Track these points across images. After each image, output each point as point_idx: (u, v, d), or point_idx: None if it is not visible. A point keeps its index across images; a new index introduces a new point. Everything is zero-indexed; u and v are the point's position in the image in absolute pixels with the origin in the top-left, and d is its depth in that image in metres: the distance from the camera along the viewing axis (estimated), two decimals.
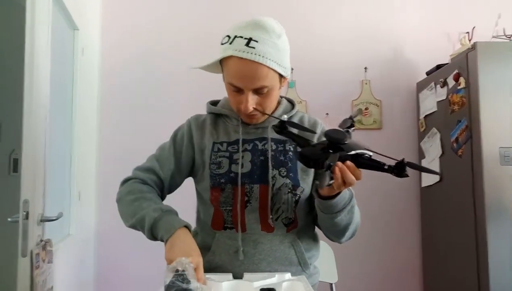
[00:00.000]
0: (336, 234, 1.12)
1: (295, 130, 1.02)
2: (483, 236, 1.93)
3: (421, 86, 2.59)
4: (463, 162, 2.10)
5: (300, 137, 0.97)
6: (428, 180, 2.46)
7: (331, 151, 0.86)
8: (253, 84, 1.04)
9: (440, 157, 2.33)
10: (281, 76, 1.09)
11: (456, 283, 2.17)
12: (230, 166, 1.13)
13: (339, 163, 0.86)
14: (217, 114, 1.23)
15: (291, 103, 1.25)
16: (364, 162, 0.87)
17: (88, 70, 2.34)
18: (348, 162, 0.87)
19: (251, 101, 1.06)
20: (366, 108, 2.68)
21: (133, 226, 1.07)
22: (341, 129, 0.92)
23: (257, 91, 1.05)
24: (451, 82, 2.23)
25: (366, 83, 2.71)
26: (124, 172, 2.63)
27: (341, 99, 2.68)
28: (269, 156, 1.13)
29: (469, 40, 2.54)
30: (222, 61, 1.09)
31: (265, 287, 0.92)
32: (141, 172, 1.17)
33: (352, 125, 0.96)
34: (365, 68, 2.72)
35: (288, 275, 1.04)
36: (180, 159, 1.19)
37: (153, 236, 1.03)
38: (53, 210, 1.59)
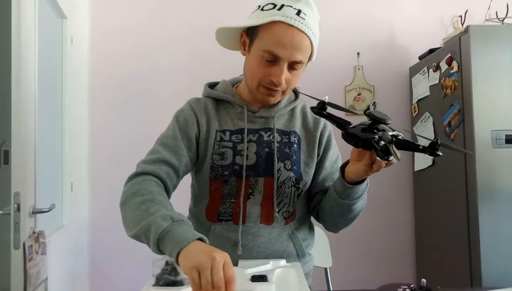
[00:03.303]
0: (347, 221, 1.11)
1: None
2: (475, 218, 1.95)
3: (413, 70, 2.59)
4: (455, 145, 2.10)
5: (340, 119, 0.95)
6: (421, 164, 2.47)
7: (375, 131, 0.87)
8: (294, 55, 1.00)
9: None
10: (309, 57, 1.07)
11: (448, 265, 2.20)
12: (234, 158, 1.09)
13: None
14: (217, 99, 1.16)
15: (295, 92, 1.22)
16: (400, 143, 0.88)
17: (78, 60, 2.30)
18: None
19: (285, 74, 1.03)
20: (359, 94, 2.67)
21: (136, 236, 0.90)
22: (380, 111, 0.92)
23: (291, 65, 1.02)
24: (443, 66, 2.22)
25: (359, 69, 2.70)
26: (116, 162, 2.61)
27: (334, 85, 2.66)
28: (275, 148, 1.10)
29: (462, 24, 2.53)
30: (260, 28, 1.02)
31: (257, 274, 0.92)
32: (150, 165, 1.03)
33: None
34: (358, 53, 2.70)
35: (283, 262, 1.04)
36: (190, 145, 1.10)
37: (159, 250, 0.85)
38: (46, 201, 1.58)
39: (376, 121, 0.87)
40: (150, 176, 1.01)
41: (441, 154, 0.85)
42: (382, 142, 0.83)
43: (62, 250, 1.97)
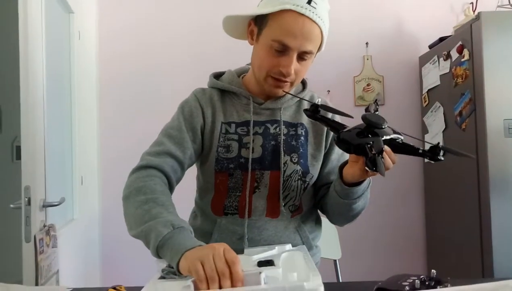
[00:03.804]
0: (348, 219, 1.11)
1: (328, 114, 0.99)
2: (487, 208, 1.92)
3: (423, 60, 2.54)
4: (466, 135, 2.07)
5: (334, 122, 0.92)
6: None
7: (369, 135, 0.83)
8: (304, 45, 0.97)
9: (443, 131, 2.31)
10: (319, 48, 1.04)
11: (460, 256, 2.18)
12: (239, 150, 1.07)
13: (386, 148, 0.84)
14: (223, 90, 1.13)
15: (302, 82, 1.18)
16: (398, 146, 0.85)
17: (86, 55, 2.31)
18: (385, 147, 0.84)
19: (294, 64, 0.99)
20: (368, 84, 2.64)
21: (137, 237, 0.90)
22: (377, 113, 0.88)
23: (301, 55, 0.99)
24: (454, 54, 2.18)
25: (367, 59, 2.66)
26: (125, 155, 2.62)
27: (343, 76, 2.64)
28: (281, 141, 1.08)
29: (473, 11, 2.47)
30: (269, 16, 0.98)
31: (263, 259, 0.91)
32: (155, 157, 1.01)
33: (376, 110, 0.92)
34: (367, 43, 2.67)
35: (288, 246, 1.03)
36: (195, 137, 1.08)
37: (157, 255, 0.85)
38: (56, 195, 1.60)
39: (371, 125, 0.84)
40: (155, 170, 0.99)
41: (442, 158, 0.82)
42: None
43: (73, 243, 1.99)
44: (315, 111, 0.92)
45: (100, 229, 2.51)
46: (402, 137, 0.87)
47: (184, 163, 1.06)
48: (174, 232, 0.84)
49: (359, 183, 0.97)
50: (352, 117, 0.92)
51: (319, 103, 0.92)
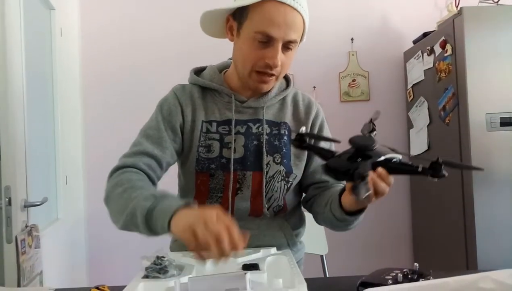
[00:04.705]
0: (340, 231, 1.10)
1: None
2: (470, 201, 1.95)
3: (408, 55, 2.56)
4: (450, 129, 2.10)
5: (322, 149, 0.90)
6: (417, 149, 2.46)
7: (359, 159, 0.79)
8: (288, 34, 0.95)
9: (428, 126, 2.33)
10: (301, 38, 1.02)
11: (445, 250, 2.21)
12: (221, 150, 1.04)
13: (381, 170, 0.80)
14: (204, 87, 1.10)
15: (286, 79, 1.15)
16: (395, 167, 0.80)
17: (68, 52, 2.27)
18: (380, 169, 0.80)
19: (280, 55, 0.96)
20: (354, 80, 2.65)
21: (125, 227, 0.87)
22: (366, 134, 0.84)
23: (285, 45, 0.97)
24: (437, 49, 2.20)
25: (353, 55, 2.67)
26: (111, 154, 2.59)
27: (328, 72, 2.64)
28: (264, 141, 1.06)
29: (456, 7, 2.50)
30: (249, 8, 0.95)
31: (248, 263, 0.91)
32: (130, 157, 0.99)
33: (373, 130, 0.87)
34: (352, 39, 2.67)
35: (273, 250, 1.03)
36: (174, 136, 1.06)
37: (151, 231, 0.82)
38: (39, 195, 1.57)
39: (359, 148, 0.80)
40: (129, 168, 0.97)
41: (446, 174, 0.76)
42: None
43: (58, 243, 1.96)
44: (301, 140, 0.89)
45: (85, 229, 2.48)
46: (399, 157, 0.82)
47: (163, 161, 1.03)
48: (157, 201, 0.82)
49: (360, 211, 0.95)
50: (339, 142, 0.87)
51: (303, 132, 0.90)
